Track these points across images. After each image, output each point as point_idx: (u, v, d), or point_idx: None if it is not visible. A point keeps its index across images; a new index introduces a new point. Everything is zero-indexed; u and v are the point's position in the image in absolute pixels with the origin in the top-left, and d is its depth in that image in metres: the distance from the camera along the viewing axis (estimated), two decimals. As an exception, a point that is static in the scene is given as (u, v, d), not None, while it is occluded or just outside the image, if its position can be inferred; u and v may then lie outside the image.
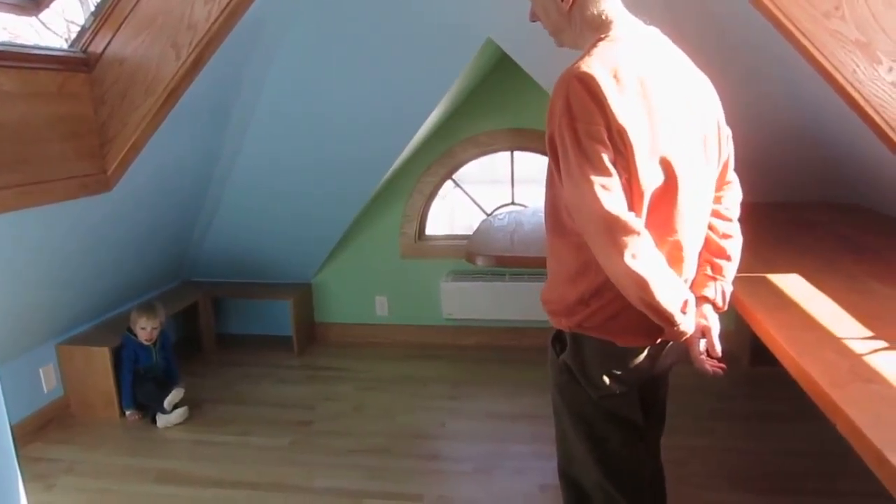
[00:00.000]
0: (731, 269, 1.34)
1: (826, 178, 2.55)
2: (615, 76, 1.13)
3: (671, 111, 1.18)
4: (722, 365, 1.28)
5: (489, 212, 3.84)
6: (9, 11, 2.35)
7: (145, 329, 2.99)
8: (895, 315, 1.39)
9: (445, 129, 3.58)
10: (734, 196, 1.41)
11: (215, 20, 2.30)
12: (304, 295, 3.86)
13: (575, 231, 1.22)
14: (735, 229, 1.37)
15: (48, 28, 2.93)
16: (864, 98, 1.73)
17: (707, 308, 1.30)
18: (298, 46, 2.62)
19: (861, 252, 1.92)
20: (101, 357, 2.97)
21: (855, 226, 2.27)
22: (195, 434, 2.88)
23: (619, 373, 1.30)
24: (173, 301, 3.58)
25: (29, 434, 2.82)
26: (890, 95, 1.71)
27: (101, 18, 2.39)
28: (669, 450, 1.66)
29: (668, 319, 1.17)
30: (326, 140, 3.04)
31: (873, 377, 1.10)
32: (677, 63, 1.27)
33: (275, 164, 3.18)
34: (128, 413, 3.00)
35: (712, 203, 1.35)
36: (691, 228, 1.26)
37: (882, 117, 1.74)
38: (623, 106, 1.11)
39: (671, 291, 1.16)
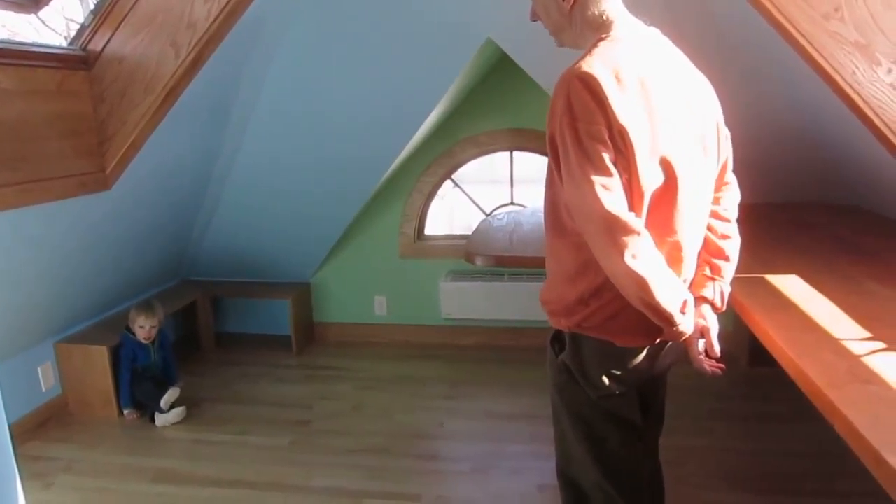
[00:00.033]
0: (729, 269, 1.34)
1: (825, 180, 2.56)
2: (616, 76, 1.13)
3: (671, 111, 1.19)
4: (721, 365, 1.28)
5: (488, 212, 3.84)
6: (8, 9, 2.35)
7: (144, 328, 2.98)
8: (893, 316, 1.40)
9: (445, 128, 3.58)
10: (733, 197, 1.41)
11: (215, 19, 2.30)
12: (302, 294, 3.85)
13: (574, 231, 1.22)
14: (733, 230, 1.38)
15: (47, 26, 2.93)
16: (863, 100, 1.73)
17: (706, 308, 1.30)
18: (298, 45, 2.62)
19: (860, 253, 1.92)
20: (100, 356, 2.97)
21: (854, 227, 2.27)
22: (193, 433, 2.88)
23: (618, 373, 1.30)
24: (172, 300, 3.57)
25: (27, 432, 2.82)
26: (889, 97, 1.71)
27: (100, 16, 2.39)
28: (668, 450, 1.66)
29: (668, 319, 1.17)
30: (326, 139, 3.04)
31: (871, 378, 1.11)
32: (677, 64, 1.27)
33: (274, 162, 3.18)
34: (126, 412, 2.99)
35: (711, 204, 1.36)
36: (691, 229, 1.26)
37: (881, 119, 1.74)
38: (624, 106, 1.12)
39: (671, 292, 1.16)
